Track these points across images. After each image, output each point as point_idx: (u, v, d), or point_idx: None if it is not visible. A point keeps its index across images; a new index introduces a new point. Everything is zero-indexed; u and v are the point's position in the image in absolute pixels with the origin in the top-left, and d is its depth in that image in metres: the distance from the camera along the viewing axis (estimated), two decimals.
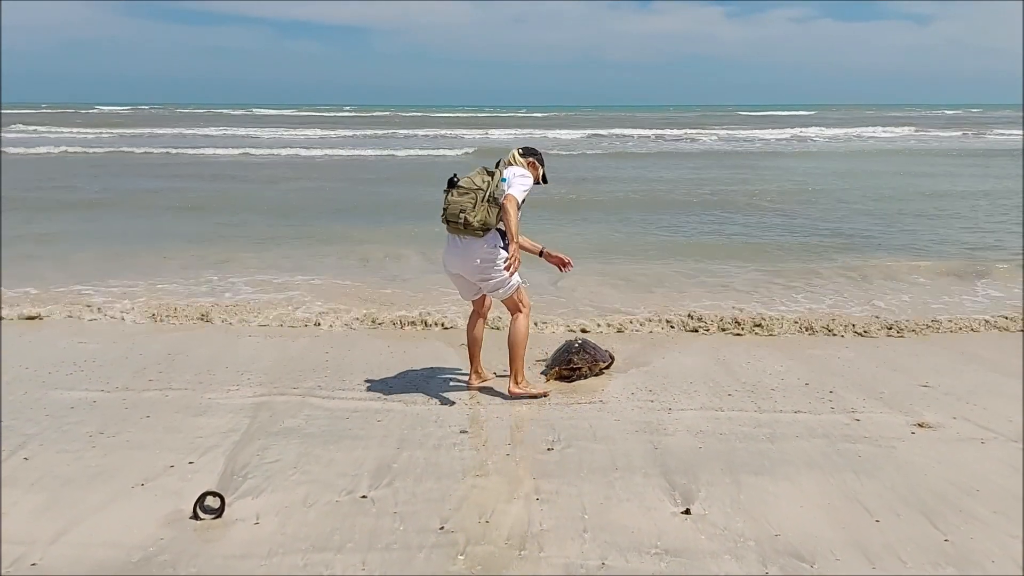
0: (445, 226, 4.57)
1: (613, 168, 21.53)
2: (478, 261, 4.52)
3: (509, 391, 4.73)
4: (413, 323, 6.47)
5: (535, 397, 4.72)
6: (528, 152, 4.77)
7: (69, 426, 4.28)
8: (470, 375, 5.01)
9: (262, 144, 30.29)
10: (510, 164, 4.65)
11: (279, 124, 46.43)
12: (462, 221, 4.43)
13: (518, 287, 4.62)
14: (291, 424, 4.33)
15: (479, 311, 4.92)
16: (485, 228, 4.45)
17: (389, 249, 9.65)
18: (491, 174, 4.53)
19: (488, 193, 4.43)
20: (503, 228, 4.50)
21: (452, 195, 4.49)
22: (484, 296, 4.83)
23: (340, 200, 14.72)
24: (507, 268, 4.44)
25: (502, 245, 4.51)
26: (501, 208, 4.42)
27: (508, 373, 4.81)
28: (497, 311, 5.44)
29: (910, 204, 13.93)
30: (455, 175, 4.57)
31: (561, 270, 5.03)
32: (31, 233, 10.65)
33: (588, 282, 7.95)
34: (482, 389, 4.92)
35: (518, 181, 4.52)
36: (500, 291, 4.60)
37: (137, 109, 72.80)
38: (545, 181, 4.82)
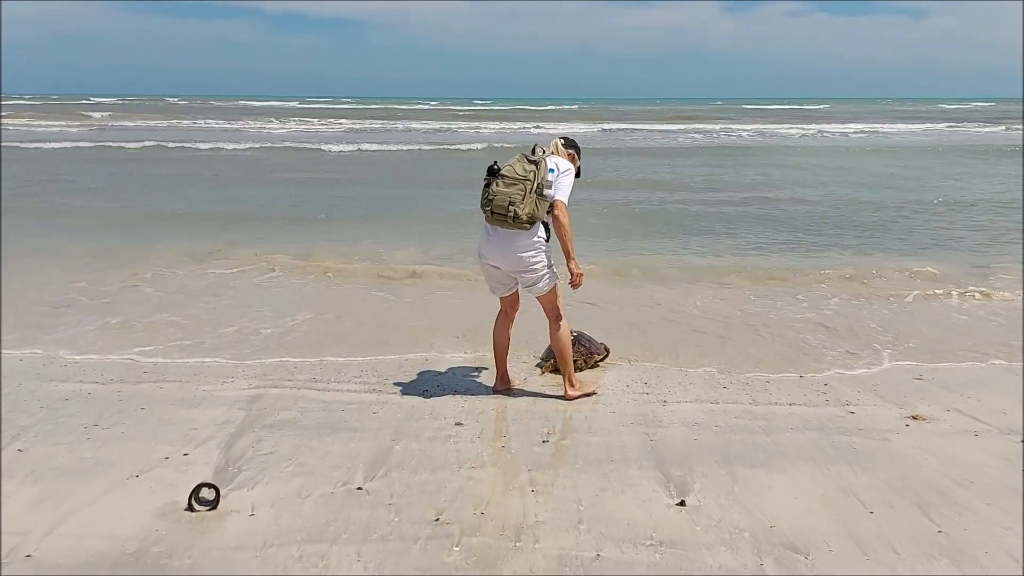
0: (486, 216, 4.38)
1: (669, 168, 19.22)
2: (521, 254, 4.36)
3: (566, 396, 4.61)
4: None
5: (588, 395, 4.67)
6: (569, 143, 4.64)
7: (64, 418, 4.27)
8: (496, 380, 4.81)
9: (263, 138, 29.55)
10: (553, 153, 4.50)
11: (276, 116, 45.55)
12: (511, 214, 4.23)
13: (556, 284, 4.52)
14: (286, 416, 4.33)
15: (508, 311, 4.71)
16: (532, 221, 4.28)
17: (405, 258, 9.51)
18: (533, 163, 4.33)
19: (536, 184, 4.27)
20: (547, 220, 4.39)
21: (498, 185, 4.28)
22: (515, 295, 4.67)
23: (370, 202, 13.47)
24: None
25: (545, 238, 4.40)
26: (554, 217, 4.34)
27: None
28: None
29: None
30: (495, 163, 4.39)
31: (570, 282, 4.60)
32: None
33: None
34: (478, 384, 4.92)
35: (565, 181, 4.38)
36: (539, 286, 4.45)
37: (131, 101, 70.94)
38: (578, 175, 4.66)
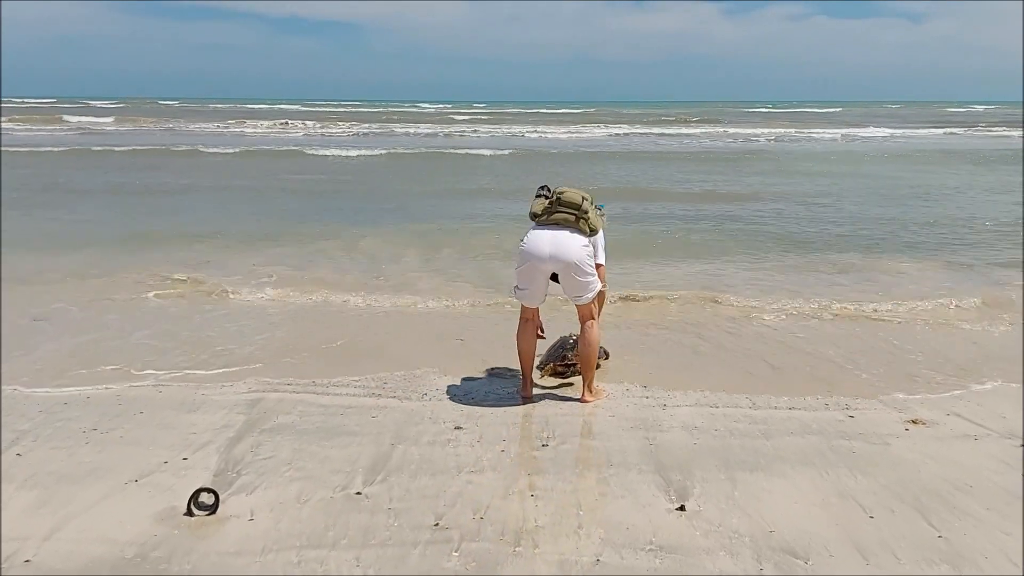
0: (544, 217, 4.48)
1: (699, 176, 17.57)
2: (579, 255, 4.41)
3: (583, 400, 4.63)
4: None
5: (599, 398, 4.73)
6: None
7: (62, 422, 4.27)
8: (525, 386, 4.75)
9: (260, 141, 28.89)
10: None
11: (275, 119, 44.69)
12: (584, 209, 4.42)
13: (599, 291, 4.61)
14: (285, 420, 4.32)
15: (532, 319, 4.73)
16: (593, 231, 4.48)
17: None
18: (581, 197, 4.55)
19: (595, 206, 4.53)
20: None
21: (566, 188, 4.51)
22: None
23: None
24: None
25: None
26: (597, 275, 4.53)
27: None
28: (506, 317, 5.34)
29: None
30: (546, 185, 4.64)
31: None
32: None
33: None
34: (477, 388, 4.92)
35: (603, 237, 4.62)
36: (586, 294, 4.50)
37: (125, 104, 69.66)
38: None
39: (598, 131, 37.58)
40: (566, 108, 70.59)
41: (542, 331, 4.88)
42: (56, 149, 23.46)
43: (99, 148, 23.89)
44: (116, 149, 23.63)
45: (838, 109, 69.65)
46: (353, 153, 23.99)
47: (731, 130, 38.17)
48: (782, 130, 38.42)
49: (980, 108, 74.46)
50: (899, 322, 6.49)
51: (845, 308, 6.82)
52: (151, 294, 7.17)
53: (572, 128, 39.02)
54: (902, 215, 12.31)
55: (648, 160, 22.33)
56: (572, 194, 4.46)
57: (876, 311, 6.76)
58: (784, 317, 6.61)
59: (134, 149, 23.70)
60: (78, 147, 24.38)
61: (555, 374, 5.09)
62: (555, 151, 25.24)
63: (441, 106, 75.53)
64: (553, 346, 5.28)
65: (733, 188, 15.87)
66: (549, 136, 34.10)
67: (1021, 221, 11.49)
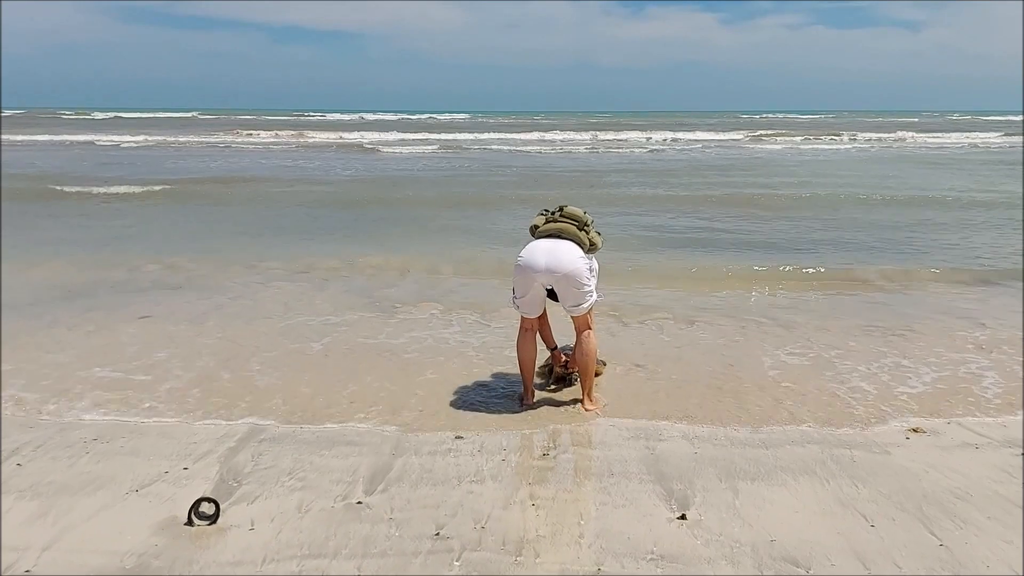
0: (547, 228, 4.56)
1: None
2: (576, 264, 4.42)
3: (584, 409, 4.63)
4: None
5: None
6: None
7: (63, 431, 4.26)
8: (526, 394, 4.77)
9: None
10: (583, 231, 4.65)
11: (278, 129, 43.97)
12: (587, 219, 4.57)
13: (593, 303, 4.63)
14: (286, 429, 4.32)
15: (531, 329, 4.73)
16: (592, 247, 4.56)
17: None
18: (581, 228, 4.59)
19: (594, 232, 4.61)
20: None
21: (568, 204, 4.69)
22: (543, 316, 4.76)
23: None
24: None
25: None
26: (593, 285, 4.55)
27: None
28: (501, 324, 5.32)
29: None
30: (547, 208, 4.75)
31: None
32: None
33: None
34: (478, 397, 4.91)
35: (596, 264, 4.64)
36: (583, 304, 4.50)
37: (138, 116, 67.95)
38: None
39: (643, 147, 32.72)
40: (578, 117, 68.65)
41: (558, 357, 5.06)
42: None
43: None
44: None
45: (899, 119, 64.87)
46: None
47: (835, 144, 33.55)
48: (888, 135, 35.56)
49: (1002, 118, 72.32)
50: None
51: None
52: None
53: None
54: None
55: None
56: (574, 209, 4.62)
57: None
58: None
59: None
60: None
61: (560, 381, 5.07)
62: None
63: (427, 116, 74.22)
64: (550, 356, 5.28)
65: None
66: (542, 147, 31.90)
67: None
